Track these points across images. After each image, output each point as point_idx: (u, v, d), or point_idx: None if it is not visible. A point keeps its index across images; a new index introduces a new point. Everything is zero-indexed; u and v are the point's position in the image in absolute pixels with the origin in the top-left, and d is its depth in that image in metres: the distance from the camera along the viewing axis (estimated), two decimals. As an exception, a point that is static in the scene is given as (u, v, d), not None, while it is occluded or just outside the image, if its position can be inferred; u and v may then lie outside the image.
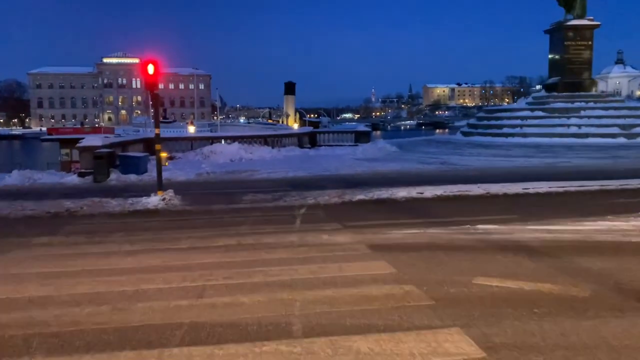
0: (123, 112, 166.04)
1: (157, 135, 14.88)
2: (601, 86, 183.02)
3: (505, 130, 36.22)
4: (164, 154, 14.79)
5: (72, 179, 20.76)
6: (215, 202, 14.53)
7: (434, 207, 13.24)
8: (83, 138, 23.67)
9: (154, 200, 14.24)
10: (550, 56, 40.74)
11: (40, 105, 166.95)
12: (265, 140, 31.12)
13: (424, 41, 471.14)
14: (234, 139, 30.52)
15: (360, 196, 14.78)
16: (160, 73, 14.29)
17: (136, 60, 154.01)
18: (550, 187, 15.66)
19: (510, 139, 34.50)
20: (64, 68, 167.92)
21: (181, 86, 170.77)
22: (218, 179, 20.91)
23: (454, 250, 8.58)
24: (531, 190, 15.36)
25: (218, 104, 63.20)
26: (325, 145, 35.27)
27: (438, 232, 10.18)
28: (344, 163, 25.90)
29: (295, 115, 73.00)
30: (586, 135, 33.35)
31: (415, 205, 13.64)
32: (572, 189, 15.56)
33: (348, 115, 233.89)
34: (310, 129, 39.76)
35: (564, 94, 38.13)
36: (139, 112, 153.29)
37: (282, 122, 72.40)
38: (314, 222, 11.36)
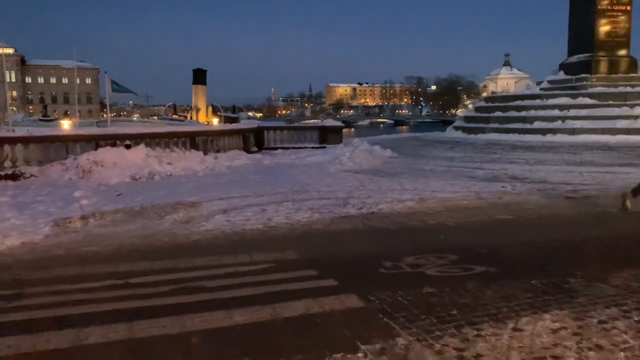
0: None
1: None
2: (491, 87, 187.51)
3: (537, 124, 25.17)
4: None
5: None
6: None
7: None
8: None
9: None
10: (572, 27, 30.30)
11: None
12: (192, 140, 18.07)
13: (322, 41, 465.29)
14: (138, 138, 16.74)
15: None
16: None
17: (11, 51, 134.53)
18: None
19: (549, 137, 23.61)
20: None
21: (64, 80, 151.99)
22: (107, 245, 7.84)
23: None
24: None
25: (108, 100, 48.10)
26: (280, 148, 23.06)
27: None
28: (345, 182, 13.90)
29: (207, 109, 59.44)
30: (661, 131, 23.11)
31: None
32: None
33: (250, 114, 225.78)
34: (257, 123, 27.03)
35: (601, 75, 28.03)
36: (15, 109, 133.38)
37: (191, 117, 58.81)
38: None
